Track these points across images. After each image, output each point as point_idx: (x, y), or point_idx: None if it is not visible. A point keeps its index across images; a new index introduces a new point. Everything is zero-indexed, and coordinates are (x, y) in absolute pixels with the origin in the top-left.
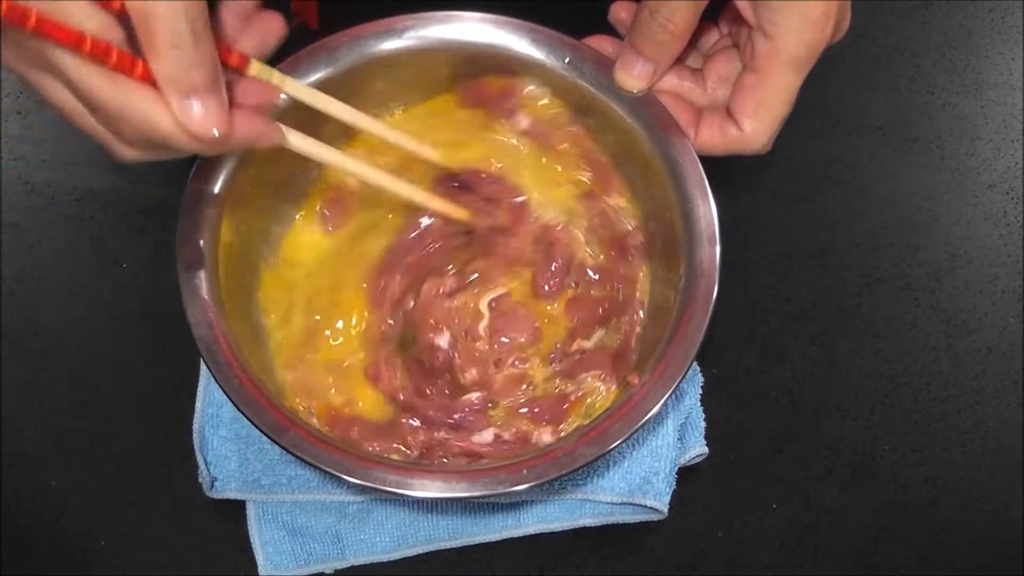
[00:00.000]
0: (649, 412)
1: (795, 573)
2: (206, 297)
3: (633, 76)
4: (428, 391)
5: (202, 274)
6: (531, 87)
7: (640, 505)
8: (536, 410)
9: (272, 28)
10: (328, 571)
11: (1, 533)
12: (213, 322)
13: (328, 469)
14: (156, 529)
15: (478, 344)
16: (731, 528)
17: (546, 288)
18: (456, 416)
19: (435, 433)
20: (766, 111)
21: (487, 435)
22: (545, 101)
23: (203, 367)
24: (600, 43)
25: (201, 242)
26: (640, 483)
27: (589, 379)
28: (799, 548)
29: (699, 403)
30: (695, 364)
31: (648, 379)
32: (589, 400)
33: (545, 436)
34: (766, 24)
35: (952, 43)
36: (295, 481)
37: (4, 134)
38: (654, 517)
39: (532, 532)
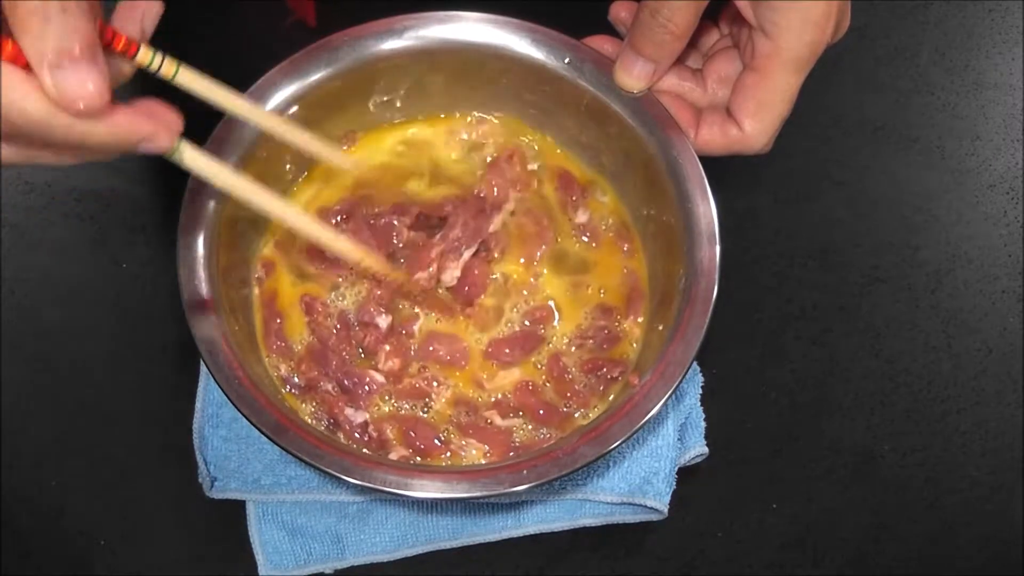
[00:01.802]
0: (649, 412)
1: (795, 573)
2: (206, 297)
3: (633, 76)
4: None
5: (202, 274)
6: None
7: (640, 505)
8: (412, 433)
9: (151, 8)
10: (328, 571)
11: (1, 533)
12: (213, 322)
13: (328, 470)
14: (156, 529)
15: (410, 342)
16: (731, 528)
17: (490, 351)
18: (350, 382)
19: (323, 380)
20: (767, 111)
21: (359, 416)
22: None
23: (203, 367)
24: (600, 43)
25: (201, 242)
26: (640, 483)
27: (473, 448)
28: (799, 548)
29: (699, 403)
30: (695, 364)
31: (648, 379)
32: (460, 459)
33: (395, 454)
34: (767, 24)
35: (952, 43)
36: (295, 481)
37: None
38: (654, 517)
39: (532, 532)
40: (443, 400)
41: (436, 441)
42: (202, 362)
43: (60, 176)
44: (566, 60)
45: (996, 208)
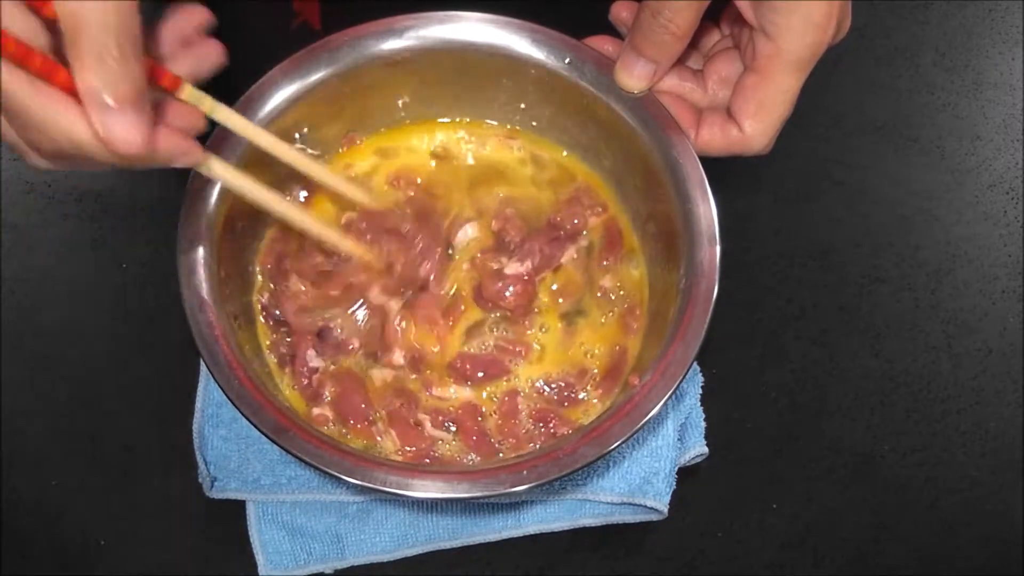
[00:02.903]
0: (650, 412)
1: (795, 573)
2: (206, 297)
3: (634, 76)
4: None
5: (202, 274)
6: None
7: (640, 505)
8: (345, 402)
9: (210, 55)
10: (328, 571)
11: (1, 533)
12: (213, 322)
13: (328, 470)
14: (156, 529)
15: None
16: (731, 528)
17: (456, 364)
18: (327, 330)
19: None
20: (767, 112)
21: (315, 362)
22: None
23: (203, 367)
24: (601, 43)
25: (201, 242)
26: (640, 483)
27: (390, 442)
28: (799, 548)
29: (699, 403)
30: (695, 364)
31: (648, 379)
32: (376, 445)
33: (318, 410)
34: (768, 25)
35: (952, 43)
36: (295, 481)
37: None
38: (654, 517)
39: (532, 532)
40: (385, 375)
41: (362, 423)
42: (202, 362)
43: (60, 176)
44: (567, 60)
45: (996, 208)
